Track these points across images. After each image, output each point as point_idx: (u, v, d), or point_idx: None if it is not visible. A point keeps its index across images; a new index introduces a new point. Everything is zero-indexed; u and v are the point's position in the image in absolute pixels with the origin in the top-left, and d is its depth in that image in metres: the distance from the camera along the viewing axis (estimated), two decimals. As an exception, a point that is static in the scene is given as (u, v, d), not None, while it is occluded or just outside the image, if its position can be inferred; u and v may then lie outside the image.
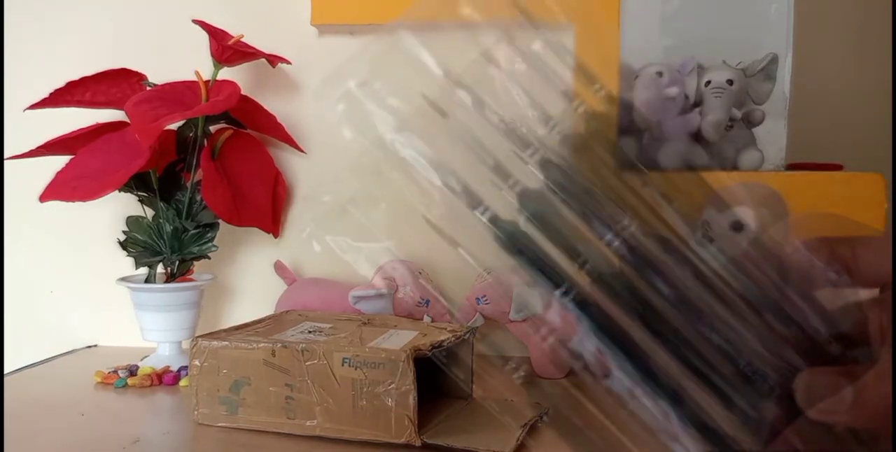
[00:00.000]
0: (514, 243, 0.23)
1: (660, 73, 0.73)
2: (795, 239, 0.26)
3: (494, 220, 0.23)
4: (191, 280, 0.74)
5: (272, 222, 0.78)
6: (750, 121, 0.75)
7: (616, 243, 0.24)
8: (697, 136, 0.74)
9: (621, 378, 0.23)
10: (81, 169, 0.68)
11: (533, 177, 0.24)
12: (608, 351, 0.23)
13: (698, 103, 0.75)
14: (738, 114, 0.75)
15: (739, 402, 0.23)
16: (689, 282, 0.24)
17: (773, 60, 0.74)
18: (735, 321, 0.24)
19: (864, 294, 0.25)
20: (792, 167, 0.75)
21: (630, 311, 0.24)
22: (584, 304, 0.23)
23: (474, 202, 0.23)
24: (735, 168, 0.74)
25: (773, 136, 0.75)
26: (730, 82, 0.73)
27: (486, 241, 0.24)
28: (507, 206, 0.24)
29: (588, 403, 0.24)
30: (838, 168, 0.76)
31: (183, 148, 0.74)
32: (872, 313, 0.24)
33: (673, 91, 0.73)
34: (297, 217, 0.81)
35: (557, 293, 0.24)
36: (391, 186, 0.23)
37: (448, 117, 0.24)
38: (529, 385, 0.24)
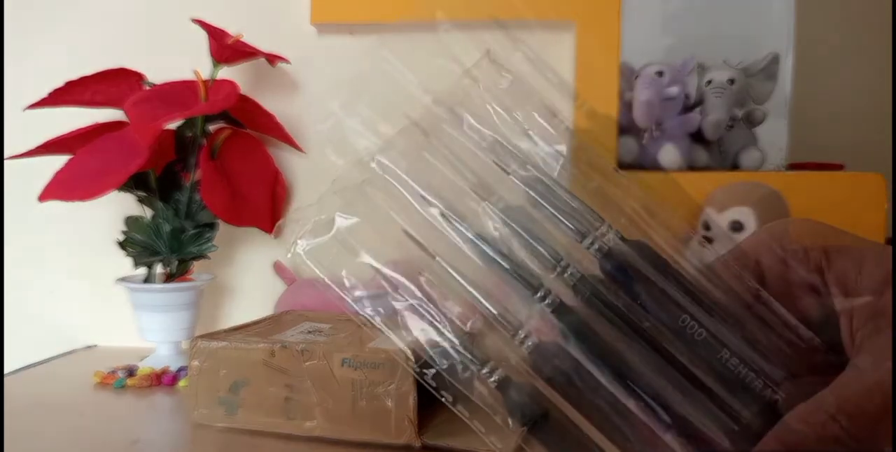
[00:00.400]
0: (497, 257, 0.23)
1: (660, 73, 0.73)
2: (776, 246, 0.26)
3: (478, 236, 0.23)
4: (190, 280, 0.74)
5: (271, 222, 0.77)
6: (751, 121, 0.75)
7: (596, 251, 0.24)
8: (698, 136, 0.74)
9: (602, 388, 0.23)
10: (80, 168, 0.68)
11: (515, 193, 0.24)
12: (586, 359, 0.23)
13: (699, 103, 0.75)
14: (738, 113, 0.75)
15: (722, 413, 0.23)
16: (671, 291, 0.24)
17: (774, 60, 0.74)
18: (718, 330, 0.24)
19: (841, 301, 0.24)
20: (793, 167, 0.75)
21: (609, 319, 0.23)
22: (562, 312, 0.23)
23: (459, 218, 0.23)
24: (736, 167, 0.74)
25: (773, 136, 0.75)
26: (731, 82, 0.73)
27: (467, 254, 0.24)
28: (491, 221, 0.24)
29: (565, 406, 0.23)
30: (839, 168, 0.76)
31: (182, 147, 0.74)
32: (843, 321, 0.24)
33: (673, 90, 0.73)
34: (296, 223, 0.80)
35: (537, 303, 0.24)
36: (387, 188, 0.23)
37: (430, 136, 0.24)
38: (505, 388, 0.23)
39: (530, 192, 0.24)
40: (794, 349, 0.24)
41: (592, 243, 0.24)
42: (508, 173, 0.24)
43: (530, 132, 0.25)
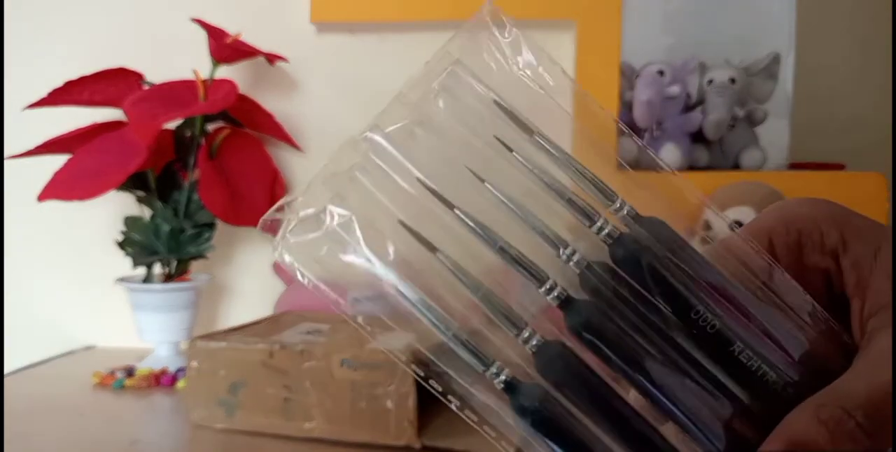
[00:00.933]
0: (499, 245, 0.22)
1: (661, 72, 0.73)
2: (791, 227, 0.25)
3: (479, 223, 0.22)
4: (188, 280, 0.74)
5: (271, 222, 0.77)
6: (752, 120, 0.75)
7: (606, 235, 0.23)
8: (699, 136, 0.74)
9: (609, 388, 0.22)
10: (79, 168, 0.68)
11: (518, 170, 0.23)
12: (594, 359, 0.22)
13: (700, 102, 0.74)
14: (740, 112, 0.75)
15: (730, 403, 0.22)
16: (685, 279, 0.23)
17: (776, 59, 0.74)
18: (731, 319, 0.23)
19: (854, 287, 0.24)
20: (794, 166, 0.75)
21: (620, 312, 0.23)
22: (570, 307, 0.23)
23: (456, 202, 0.22)
24: (737, 167, 0.74)
25: (775, 135, 0.75)
26: (732, 81, 0.72)
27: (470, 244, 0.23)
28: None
29: (571, 407, 0.23)
30: (840, 167, 0.76)
31: (181, 147, 0.74)
32: (854, 307, 0.24)
33: (675, 90, 0.72)
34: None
35: (543, 296, 0.23)
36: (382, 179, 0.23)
37: (422, 110, 0.23)
38: (512, 390, 0.22)
39: (535, 172, 0.23)
40: (809, 334, 0.24)
41: (602, 228, 0.23)
42: (511, 150, 0.23)
43: (536, 87, 0.24)
